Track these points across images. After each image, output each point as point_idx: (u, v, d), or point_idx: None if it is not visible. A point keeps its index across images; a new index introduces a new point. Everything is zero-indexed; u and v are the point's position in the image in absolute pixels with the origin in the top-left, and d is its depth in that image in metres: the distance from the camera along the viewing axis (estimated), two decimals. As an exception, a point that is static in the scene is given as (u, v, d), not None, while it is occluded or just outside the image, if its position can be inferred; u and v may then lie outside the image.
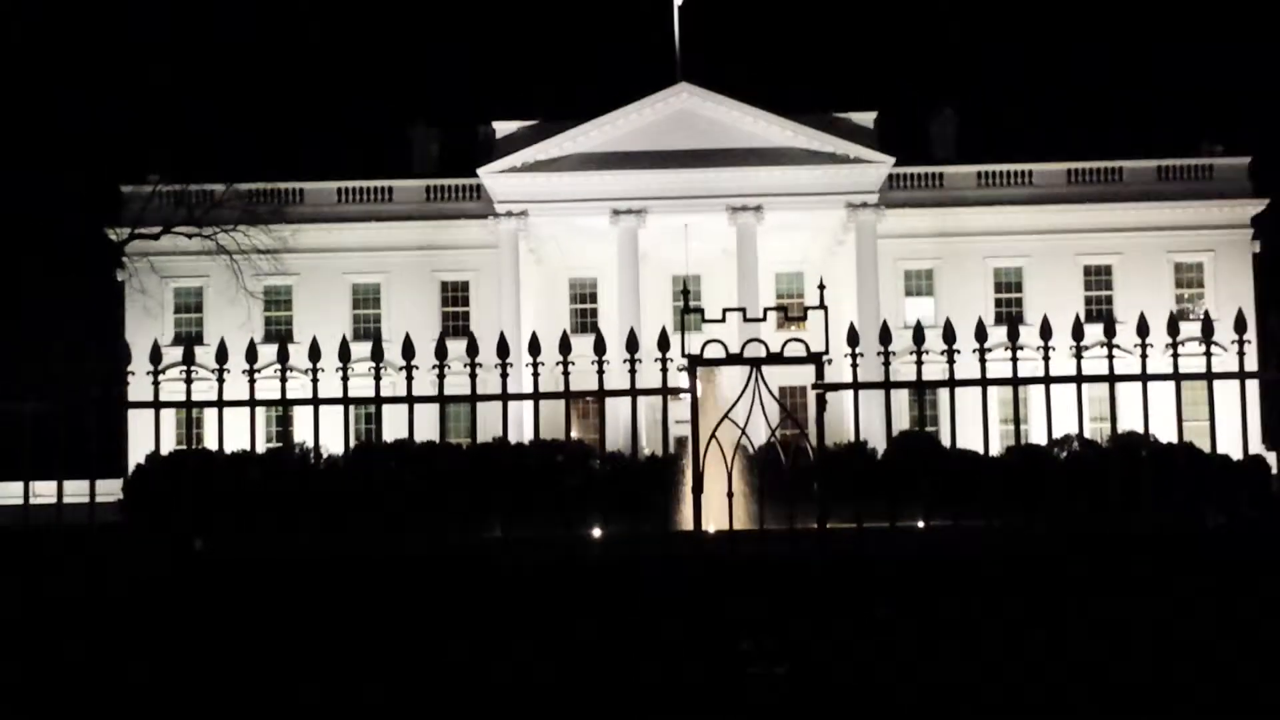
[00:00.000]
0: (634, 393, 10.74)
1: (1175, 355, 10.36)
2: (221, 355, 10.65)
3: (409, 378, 10.60)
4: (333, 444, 39.49)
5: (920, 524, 11.93)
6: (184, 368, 10.67)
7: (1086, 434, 50.19)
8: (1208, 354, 10.41)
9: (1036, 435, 50.35)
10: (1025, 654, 10.05)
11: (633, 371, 10.58)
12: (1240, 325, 10.37)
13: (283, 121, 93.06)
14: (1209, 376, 10.43)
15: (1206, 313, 12.27)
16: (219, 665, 10.11)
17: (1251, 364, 10.57)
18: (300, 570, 11.01)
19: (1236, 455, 35.00)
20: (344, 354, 10.46)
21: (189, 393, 10.77)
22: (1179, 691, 9.05)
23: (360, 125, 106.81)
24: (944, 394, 10.86)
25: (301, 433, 50.71)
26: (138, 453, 52.04)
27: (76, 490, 11.91)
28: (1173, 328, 10.22)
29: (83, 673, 9.94)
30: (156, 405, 10.81)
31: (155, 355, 10.51)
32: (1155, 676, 9.42)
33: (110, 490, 42.87)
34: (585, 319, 65.41)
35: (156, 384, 10.59)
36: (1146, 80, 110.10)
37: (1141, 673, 9.62)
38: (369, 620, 11.00)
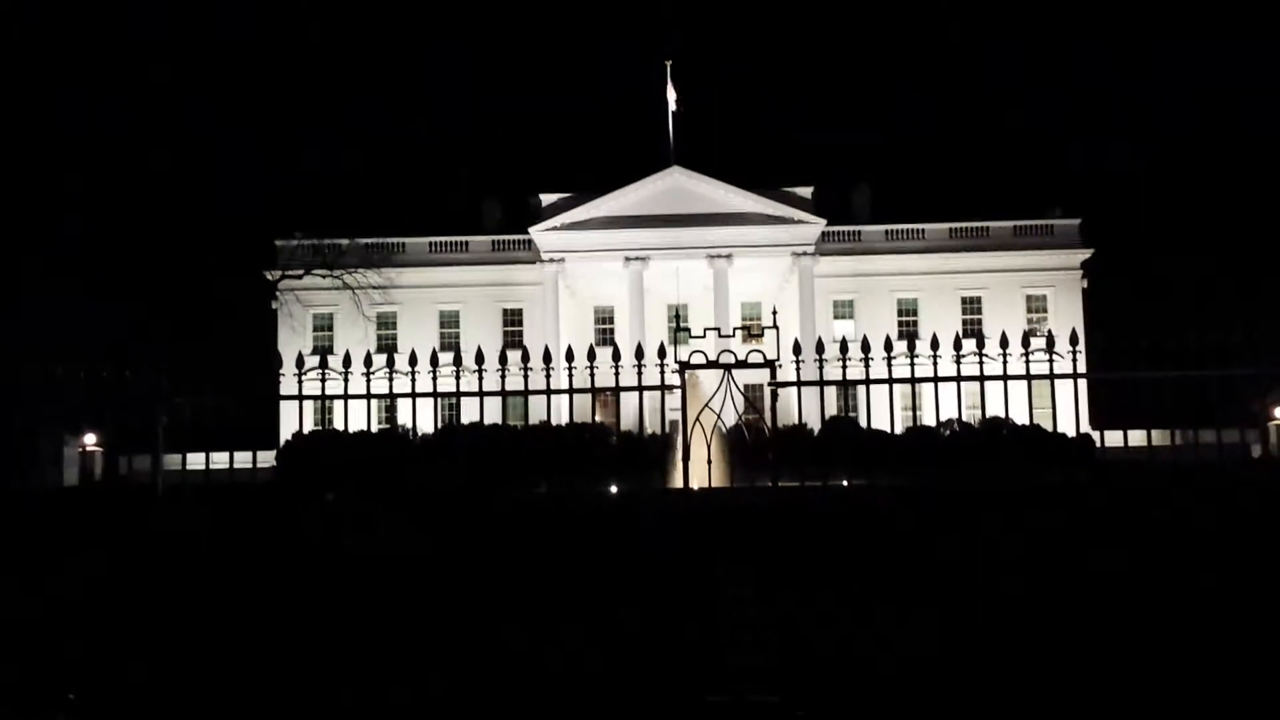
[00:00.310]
0: (640, 389, 10.78)
1: (1027, 361, 10.37)
2: (346, 362, 10.69)
3: (480, 378, 10.64)
4: (426, 426, 39.58)
5: (845, 482, 11.94)
6: (319, 371, 10.72)
7: (964, 418, 50.15)
8: (1050, 360, 10.42)
9: (929, 419, 50.32)
10: (922, 571, 10.04)
11: (639, 373, 10.61)
12: (1074, 340, 10.37)
13: (389, 191, 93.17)
14: (1051, 376, 10.44)
15: (1050, 331, 12.25)
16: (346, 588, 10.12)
17: (1083, 367, 10.56)
18: (406, 511, 11.04)
19: (1071, 433, 34.98)
20: (434, 361, 10.49)
21: (323, 389, 10.81)
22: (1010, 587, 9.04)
23: (444, 194, 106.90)
24: (862, 389, 10.84)
25: (404, 418, 50.80)
26: (287, 432, 52.08)
27: (243, 459, 11.93)
28: (1025, 342, 10.23)
29: (250, 575, 9.97)
30: (300, 398, 10.84)
31: (299, 362, 10.55)
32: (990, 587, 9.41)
33: (266, 459, 42.89)
34: (605, 336, 65.37)
35: (300, 383, 10.62)
36: (1006, 155, 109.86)
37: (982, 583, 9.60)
38: (450, 553, 11.00)
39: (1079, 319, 60.93)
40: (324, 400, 10.93)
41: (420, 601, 9.28)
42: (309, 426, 50.79)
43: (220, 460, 11.22)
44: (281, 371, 11.31)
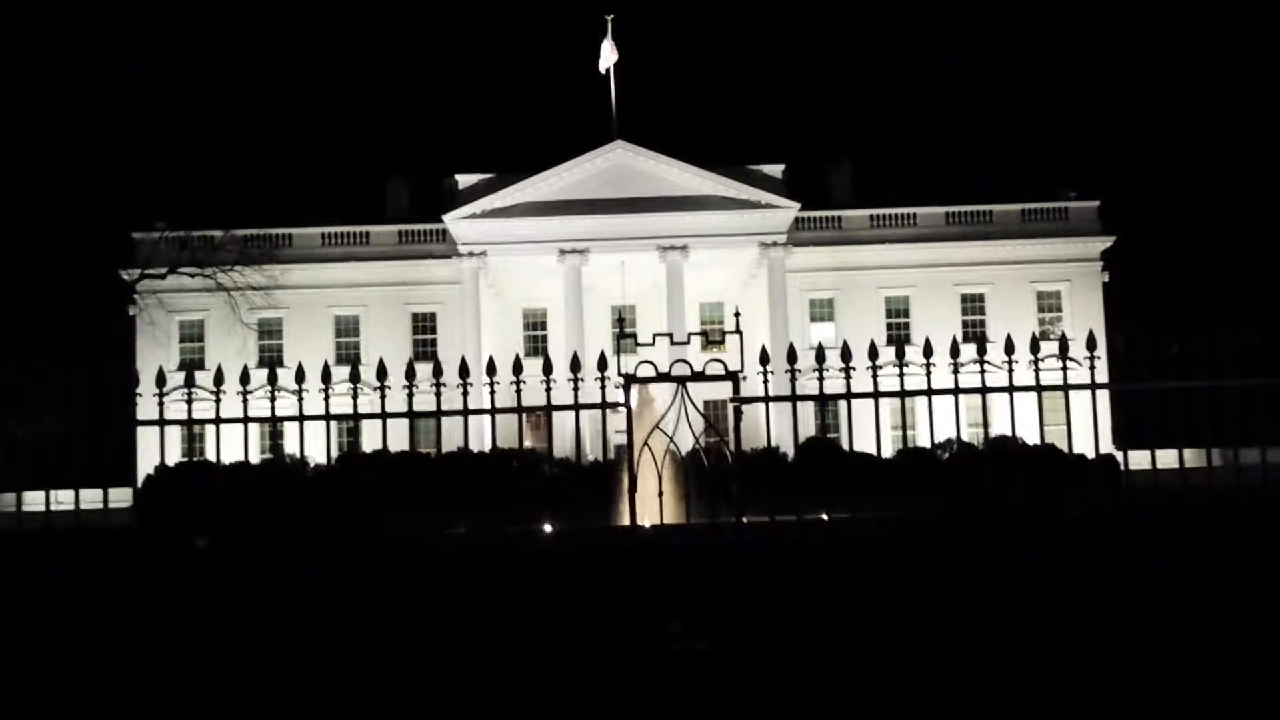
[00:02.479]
0: (577, 407, 10.74)
1: (1037, 370, 10.49)
2: (219, 379, 10.56)
3: (383, 396, 10.56)
4: (318, 455, 39.25)
5: (824, 516, 11.99)
6: (186, 390, 10.58)
7: (965, 438, 50.64)
8: (1064, 369, 10.53)
9: (923, 440, 50.70)
10: (913, 621, 10.09)
11: (576, 389, 10.60)
12: (1091, 344, 10.50)
13: (273, 173, 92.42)
14: (1065, 388, 10.56)
15: (1063, 334, 12.40)
16: (205, 649, 9.97)
17: (1102, 377, 10.71)
18: (281, 562, 10.91)
19: (1091, 454, 35.44)
20: (326, 376, 10.40)
21: (189, 411, 10.67)
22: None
23: (341, 177, 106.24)
24: (843, 405, 10.89)
25: (291, 446, 50.30)
26: (147, 465, 51.36)
27: (92, 498, 11.75)
28: (1034, 347, 10.34)
29: (95, 648, 9.78)
30: (161, 423, 10.69)
31: (160, 379, 10.41)
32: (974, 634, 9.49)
33: (122, 498, 42.26)
34: (536, 344, 65.30)
35: (161, 405, 10.48)
36: (1016, 127, 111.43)
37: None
38: (341, 604, 10.89)
39: (1098, 319, 61.74)
40: (191, 425, 10.78)
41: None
42: (174, 457, 50.25)
43: (65, 500, 11.02)
44: (139, 391, 11.15)
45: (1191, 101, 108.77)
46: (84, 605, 10.77)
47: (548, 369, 10.61)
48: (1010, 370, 10.47)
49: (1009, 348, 10.43)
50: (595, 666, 8.81)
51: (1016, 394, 10.62)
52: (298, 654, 9.47)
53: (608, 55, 59.14)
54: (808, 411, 55.40)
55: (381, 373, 10.54)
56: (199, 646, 9.71)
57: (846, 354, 10.52)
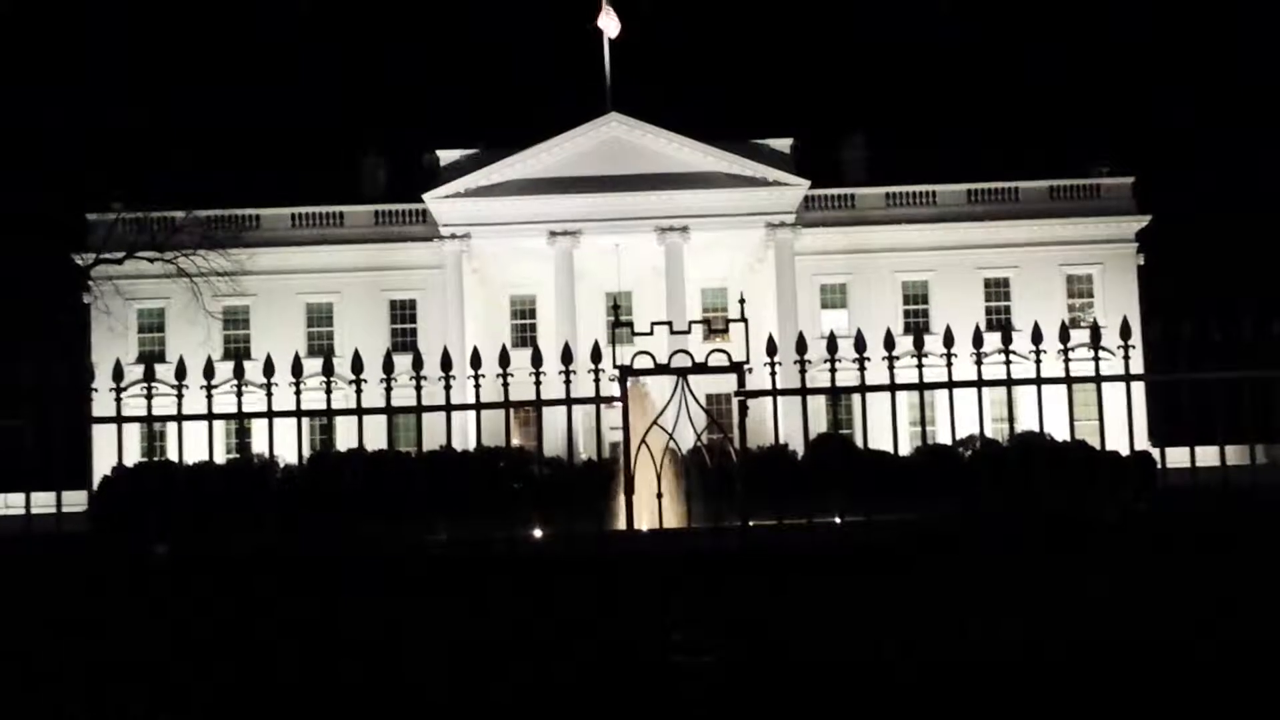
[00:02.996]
0: (569, 401, 10.74)
1: (1066, 360, 10.49)
2: (180, 372, 10.57)
3: (358, 391, 10.56)
4: (289, 455, 39.23)
5: (837, 520, 12.00)
6: (145, 384, 10.57)
7: (988, 434, 50.68)
8: (1096, 359, 10.53)
9: (943, 436, 50.73)
10: (939, 636, 10.11)
11: (568, 382, 10.59)
12: (1125, 332, 10.50)
13: (239, 150, 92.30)
14: (1097, 379, 10.56)
15: (1095, 320, 12.42)
16: (168, 661, 9.98)
17: (1137, 367, 10.71)
18: (247, 569, 10.92)
19: (1125, 452, 35.46)
20: (296, 369, 10.39)
21: (149, 408, 10.67)
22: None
23: (312, 153, 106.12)
24: (857, 399, 10.90)
25: (259, 444, 50.27)
26: (103, 465, 51.33)
27: (45, 502, 11.75)
28: (1064, 335, 10.33)
29: (48, 669, 9.78)
30: (119, 420, 10.68)
31: (117, 373, 10.40)
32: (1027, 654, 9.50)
33: (77, 502, 42.27)
34: (525, 334, 65.28)
35: (119, 401, 10.47)
36: (1042, 101, 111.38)
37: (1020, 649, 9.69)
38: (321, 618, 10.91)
39: (1133, 305, 61.80)
40: (151, 423, 10.78)
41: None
42: (132, 458, 50.20)
43: (15, 504, 11.02)
44: (95, 386, 11.14)
45: (1235, 65, 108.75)
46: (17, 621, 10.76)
47: (537, 361, 10.60)
48: (1038, 361, 10.48)
49: (1036, 336, 10.43)
50: (592, 680, 8.82)
51: (1045, 386, 10.63)
52: (263, 668, 9.47)
53: (608, 21, 58.95)
54: (819, 406, 55.49)
55: (357, 365, 10.54)
56: (162, 662, 9.70)
57: (860, 343, 10.52)
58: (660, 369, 10.80)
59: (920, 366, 10.57)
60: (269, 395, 10.54)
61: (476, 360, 10.65)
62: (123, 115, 58.13)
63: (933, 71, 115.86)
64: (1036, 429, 11.31)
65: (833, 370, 10.61)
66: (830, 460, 33.29)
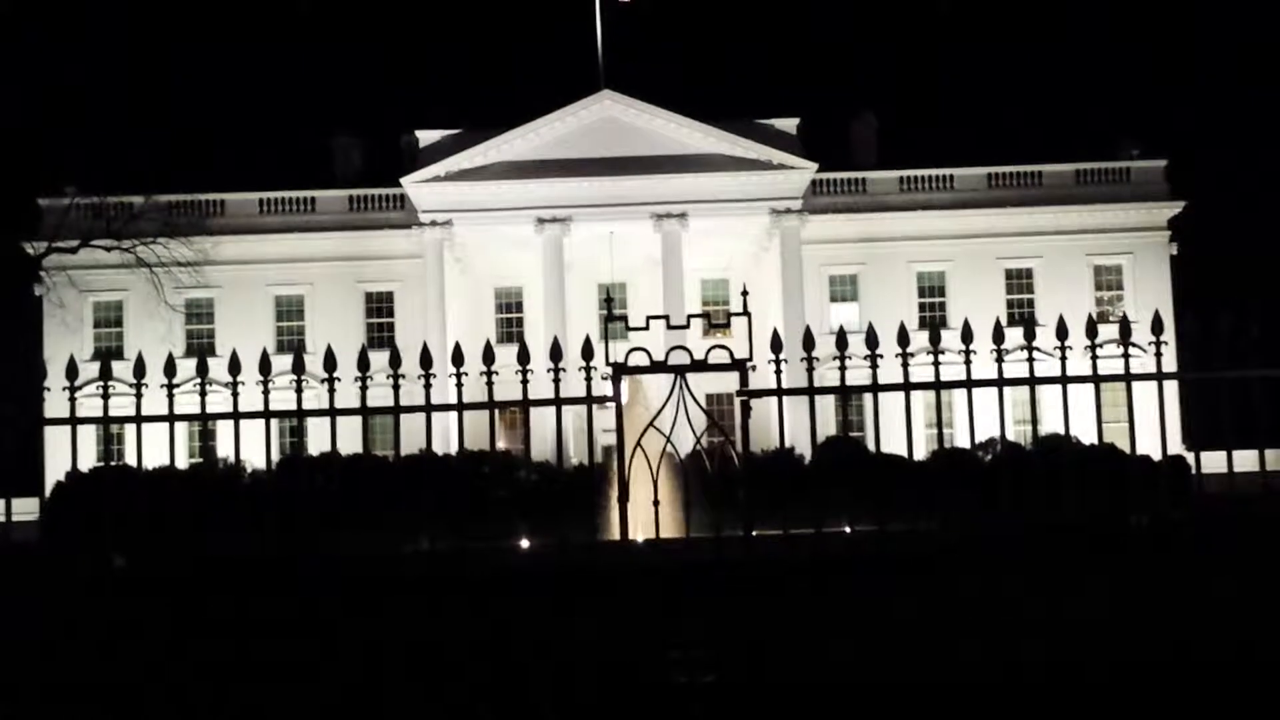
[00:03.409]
0: (558, 402, 10.73)
1: (1094, 358, 10.48)
2: (139, 370, 10.53)
3: (331, 390, 10.53)
4: (257, 459, 39.19)
5: (847, 529, 12.00)
6: (102, 383, 10.54)
7: (1011, 436, 50.69)
8: (1125, 356, 10.54)
9: (962, 439, 50.77)
10: (953, 656, 10.11)
11: (556, 380, 10.57)
12: (1157, 327, 10.50)
13: (203, 132, 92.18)
14: (1127, 378, 10.56)
15: (1124, 315, 12.42)
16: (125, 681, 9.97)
17: (1170, 365, 10.70)
18: (203, 585, 10.92)
19: (1157, 456, 35.43)
20: (264, 367, 10.36)
21: (106, 408, 10.64)
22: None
23: (282, 135, 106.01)
24: (869, 399, 10.90)
25: (225, 447, 50.25)
26: (57, 470, 51.32)
27: (-7, 509, 11.72)
28: (1091, 330, 10.33)
29: None
30: (73, 422, 10.66)
31: (71, 371, 10.37)
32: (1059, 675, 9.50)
33: (28, 510, 42.15)
34: (511, 328, 65.26)
35: (73, 400, 10.45)
36: (1066, 81, 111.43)
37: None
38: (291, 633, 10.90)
39: (1166, 297, 61.84)
40: (107, 425, 10.76)
41: None
42: (88, 462, 50.16)
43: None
44: (48, 385, 11.13)
45: (1276, 41, 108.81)
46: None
47: (524, 358, 10.59)
48: (1063, 358, 10.48)
49: (1061, 331, 10.43)
50: (587, 701, 8.82)
51: (1070, 386, 10.62)
52: (225, 691, 9.46)
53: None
54: (827, 407, 55.46)
55: (330, 362, 10.52)
56: (115, 685, 9.69)
57: (872, 339, 10.51)
58: (657, 366, 10.78)
59: (937, 364, 10.56)
60: (235, 395, 10.51)
61: (459, 357, 10.65)
62: (80, 93, 57.95)
63: (949, 46, 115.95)
64: (1061, 431, 11.30)
65: (842, 368, 10.60)
66: (840, 465, 33.29)
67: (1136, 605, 10.81)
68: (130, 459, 48.51)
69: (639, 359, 10.84)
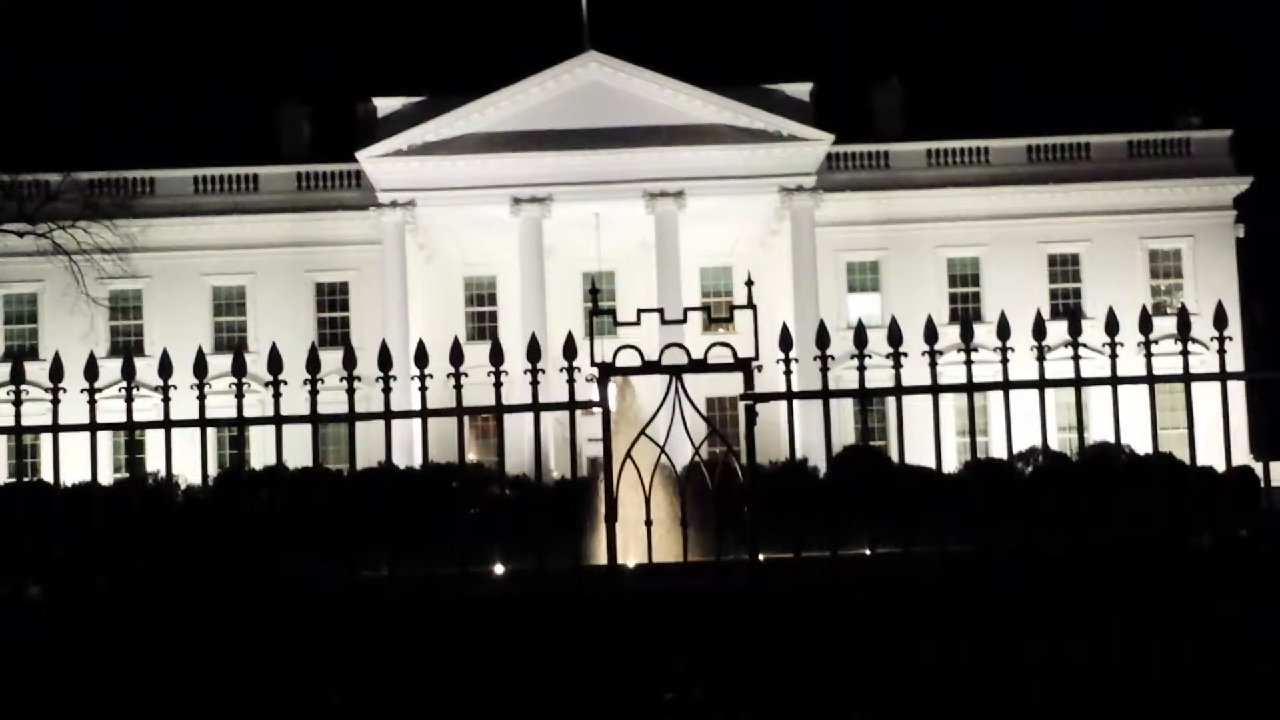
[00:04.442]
0: (536, 408, 10.72)
1: (1148, 355, 10.47)
2: (57, 372, 10.51)
3: (276, 395, 10.51)
4: (192, 473, 39.16)
5: (867, 552, 12.00)
6: (13, 388, 10.53)
7: (1054, 445, 50.74)
8: (1184, 353, 10.53)
9: (998, 448, 50.81)
10: (990, 699, 10.12)
11: (535, 383, 10.56)
12: (1221, 320, 10.48)
13: (130, 101, 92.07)
14: (1186, 378, 10.56)
15: (1183, 306, 12.42)
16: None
17: (1236, 363, 10.72)
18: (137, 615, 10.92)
19: (1220, 466, 35.40)
20: (200, 368, 10.34)
21: (18, 416, 10.62)
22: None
23: (220, 103, 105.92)
24: (891, 403, 10.93)
25: (155, 460, 50.19)
26: (-37, 487, 51.36)
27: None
28: (1145, 323, 10.32)
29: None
30: (-19, 431, 10.64)
31: (-22, 373, 10.37)
32: None
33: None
34: (483, 323, 65.31)
35: (-20, 407, 10.46)
36: (1117, 44, 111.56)
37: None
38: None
39: (1230, 287, 61.86)
40: (20, 435, 10.75)
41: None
42: None
43: None
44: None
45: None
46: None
47: (498, 357, 10.58)
48: (1113, 355, 10.47)
49: (1112, 325, 10.42)
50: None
51: (1122, 387, 10.62)
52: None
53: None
54: (845, 412, 55.44)
55: (275, 363, 10.51)
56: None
57: (896, 335, 10.51)
58: (649, 366, 10.78)
59: (969, 363, 10.56)
60: (166, 400, 10.50)
61: (423, 356, 10.63)
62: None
63: (983, 3, 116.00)
64: (1111, 439, 11.31)
65: (861, 368, 10.60)
66: (859, 478, 33.31)
67: (1195, 640, 10.81)
68: (46, 474, 48.44)
69: (629, 358, 10.83)
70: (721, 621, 10.74)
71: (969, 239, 64.52)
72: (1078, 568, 11.38)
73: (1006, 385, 10.51)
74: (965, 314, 62.46)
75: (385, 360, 10.51)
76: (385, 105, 61.50)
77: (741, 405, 10.76)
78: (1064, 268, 64.81)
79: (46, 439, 10.68)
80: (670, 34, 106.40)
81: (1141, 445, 28.66)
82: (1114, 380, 10.55)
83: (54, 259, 57.75)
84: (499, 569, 27.66)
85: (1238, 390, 47.54)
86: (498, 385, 10.60)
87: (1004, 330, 10.41)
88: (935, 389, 10.54)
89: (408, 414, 10.88)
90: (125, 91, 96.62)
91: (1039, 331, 10.41)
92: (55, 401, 10.43)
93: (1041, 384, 10.51)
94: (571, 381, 10.55)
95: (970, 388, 10.60)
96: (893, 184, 64.70)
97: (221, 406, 10.24)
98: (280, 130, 68.57)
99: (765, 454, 13.29)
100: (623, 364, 10.74)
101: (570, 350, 10.50)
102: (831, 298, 61.62)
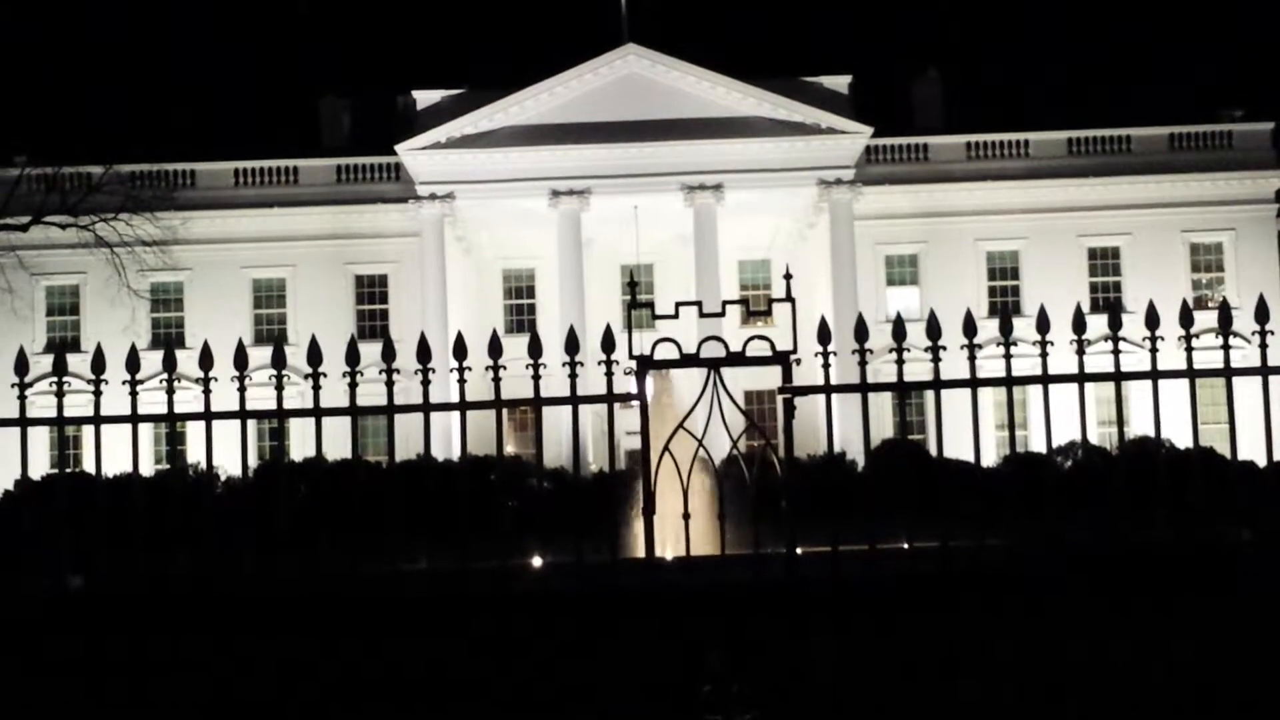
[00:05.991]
0: (575, 400, 10.72)
1: (1189, 349, 10.42)
2: (99, 364, 10.56)
3: (316, 387, 10.53)
4: (232, 465, 39.32)
5: (905, 545, 11.98)
6: (56, 379, 10.58)
7: (1093, 439, 50.52)
8: (1225, 347, 10.48)
9: (1037, 442, 50.63)
10: (1031, 694, 10.09)
11: (573, 376, 10.56)
12: (1262, 314, 10.43)
13: (172, 93, 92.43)
14: (1227, 373, 10.51)
15: (1225, 300, 12.35)
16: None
17: (1276, 357, 10.65)
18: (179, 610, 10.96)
19: (1261, 461, 35.19)
20: (240, 360, 10.38)
21: (60, 408, 10.66)
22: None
23: (260, 96, 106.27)
24: (930, 396, 10.89)
25: (195, 452, 50.39)
26: (5, 478, 51.53)
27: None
28: (1186, 317, 10.27)
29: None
30: (23, 423, 10.69)
31: (21, 365, 10.40)
32: None
33: (-26, 521, 42.43)
34: (521, 316, 65.32)
35: (23, 399, 10.49)
36: (1157, 37, 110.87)
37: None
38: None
39: (1272, 280, 61.45)
40: (62, 426, 10.80)
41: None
42: (40, 468, 50.33)
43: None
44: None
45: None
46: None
47: (536, 350, 10.59)
48: (1154, 349, 10.42)
49: (1152, 319, 10.37)
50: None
51: (1162, 381, 10.57)
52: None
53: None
54: (883, 406, 55.36)
55: (314, 355, 10.51)
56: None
57: (934, 329, 10.48)
58: (687, 360, 10.77)
59: (1008, 357, 10.52)
60: (206, 392, 10.54)
61: (461, 349, 10.64)
62: (30, 49, 58.12)
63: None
64: (1151, 434, 11.26)
65: (900, 362, 10.58)
66: (897, 472, 33.22)
67: (1234, 652, 10.75)
68: (88, 465, 48.53)
69: (667, 351, 10.83)
70: (759, 615, 10.73)
71: (1008, 232, 64.27)
72: (1116, 566, 11.32)
73: (1046, 379, 10.47)
74: (1004, 308, 62.21)
75: (424, 353, 10.54)
76: (424, 98, 61.60)
77: (780, 398, 10.75)
78: (1104, 261, 64.52)
79: (89, 430, 10.73)
80: (708, 27, 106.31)
81: (1182, 440, 28.56)
82: (1154, 374, 10.51)
83: (96, 251, 57.98)
84: (537, 561, 27.75)
85: (1279, 384, 47.23)
86: (536, 378, 10.61)
87: (1043, 324, 10.37)
88: (974, 383, 10.51)
89: (446, 406, 10.91)
90: (167, 85, 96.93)
91: (1079, 325, 10.37)
92: (97, 393, 10.48)
93: (1081, 378, 10.48)
94: (610, 374, 10.56)
95: (1009, 381, 10.56)
96: (932, 177, 64.48)
97: (261, 398, 10.31)
98: (320, 123, 68.72)
99: (803, 447, 13.28)
100: (661, 357, 10.74)
101: (609, 343, 10.51)
102: (870, 291, 61.50)
